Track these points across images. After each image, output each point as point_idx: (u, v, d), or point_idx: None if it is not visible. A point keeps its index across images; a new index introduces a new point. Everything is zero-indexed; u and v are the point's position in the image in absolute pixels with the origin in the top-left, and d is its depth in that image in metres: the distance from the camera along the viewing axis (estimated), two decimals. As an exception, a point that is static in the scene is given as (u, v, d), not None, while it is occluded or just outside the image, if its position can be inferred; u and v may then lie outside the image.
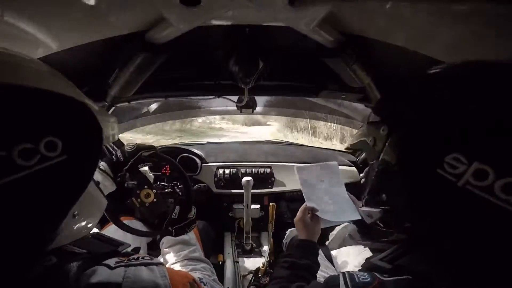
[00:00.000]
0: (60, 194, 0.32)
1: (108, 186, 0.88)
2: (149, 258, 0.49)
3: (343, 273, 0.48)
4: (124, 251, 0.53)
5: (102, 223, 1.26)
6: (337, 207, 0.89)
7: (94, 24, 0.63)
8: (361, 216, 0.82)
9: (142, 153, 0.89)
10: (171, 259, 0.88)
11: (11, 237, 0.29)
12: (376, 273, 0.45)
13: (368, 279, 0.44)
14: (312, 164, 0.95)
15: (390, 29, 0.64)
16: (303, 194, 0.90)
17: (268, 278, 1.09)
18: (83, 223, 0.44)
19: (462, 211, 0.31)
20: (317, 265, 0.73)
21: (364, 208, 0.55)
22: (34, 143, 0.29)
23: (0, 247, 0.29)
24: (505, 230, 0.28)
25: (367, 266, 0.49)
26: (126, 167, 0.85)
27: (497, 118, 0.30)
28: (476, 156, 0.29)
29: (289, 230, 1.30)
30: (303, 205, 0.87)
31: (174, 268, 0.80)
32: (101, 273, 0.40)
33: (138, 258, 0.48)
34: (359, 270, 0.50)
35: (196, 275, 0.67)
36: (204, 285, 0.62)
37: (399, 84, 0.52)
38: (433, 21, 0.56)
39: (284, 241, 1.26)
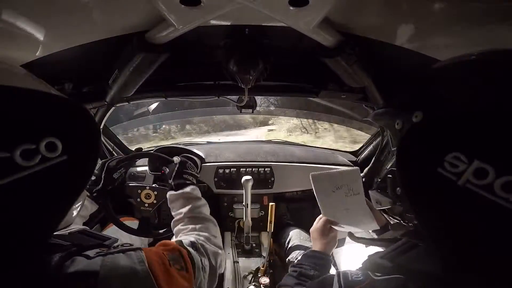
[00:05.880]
0: (61, 193, 0.33)
1: (88, 206, 0.89)
2: (128, 245, 0.49)
3: (338, 272, 0.49)
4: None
5: (102, 224, 1.26)
6: (353, 216, 0.83)
7: (94, 24, 0.63)
8: (376, 224, 0.82)
9: (108, 163, 0.93)
10: (173, 220, 0.81)
11: (12, 235, 0.30)
12: (370, 273, 0.45)
13: (361, 278, 0.45)
14: (329, 171, 0.86)
15: (390, 29, 0.64)
16: (318, 203, 0.84)
17: (268, 278, 1.09)
18: None
19: (462, 209, 0.31)
20: None
21: (374, 193, 0.55)
22: (35, 144, 0.30)
23: (1, 245, 0.29)
24: (505, 228, 0.29)
25: (367, 265, 0.49)
26: (101, 182, 0.88)
27: (496, 117, 0.30)
28: (477, 155, 0.29)
29: (292, 231, 1.29)
30: (322, 217, 0.85)
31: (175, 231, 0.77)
32: (79, 263, 0.41)
33: (117, 246, 0.48)
34: (358, 269, 0.50)
35: (189, 238, 0.64)
36: (196, 250, 0.60)
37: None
38: (434, 21, 0.56)
39: (288, 244, 1.22)
